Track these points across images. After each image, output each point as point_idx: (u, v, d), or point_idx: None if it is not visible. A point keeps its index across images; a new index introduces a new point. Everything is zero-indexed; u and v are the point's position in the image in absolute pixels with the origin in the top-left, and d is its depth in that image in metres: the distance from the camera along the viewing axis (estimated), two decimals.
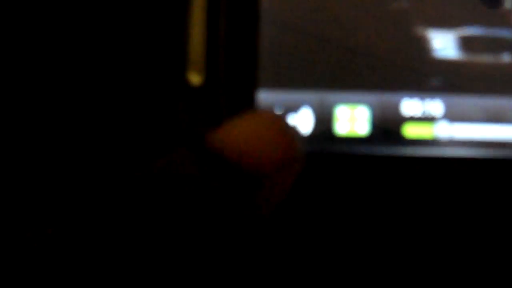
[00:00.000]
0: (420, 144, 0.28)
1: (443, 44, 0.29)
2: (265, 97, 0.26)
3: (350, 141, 0.28)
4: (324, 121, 0.28)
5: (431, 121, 0.29)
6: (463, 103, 0.29)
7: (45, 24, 0.29)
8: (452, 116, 0.29)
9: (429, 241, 0.30)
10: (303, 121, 0.28)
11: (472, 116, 0.29)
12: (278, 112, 0.27)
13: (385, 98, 0.28)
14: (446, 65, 0.29)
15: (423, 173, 0.29)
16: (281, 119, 0.15)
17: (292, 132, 0.15)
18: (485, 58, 0.29)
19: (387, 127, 0.28)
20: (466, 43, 0.29)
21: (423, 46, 0.29)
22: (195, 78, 0.25)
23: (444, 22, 0.29)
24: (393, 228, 0.30)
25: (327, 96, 0.28)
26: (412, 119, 0.29)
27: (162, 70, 0.27)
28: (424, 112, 0.29)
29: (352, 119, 0.28)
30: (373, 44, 0.28)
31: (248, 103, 0.26)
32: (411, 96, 0.28)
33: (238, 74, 0.26)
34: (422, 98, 0.29)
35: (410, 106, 0.29)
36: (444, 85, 0.29)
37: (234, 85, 0.26)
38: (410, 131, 0.29)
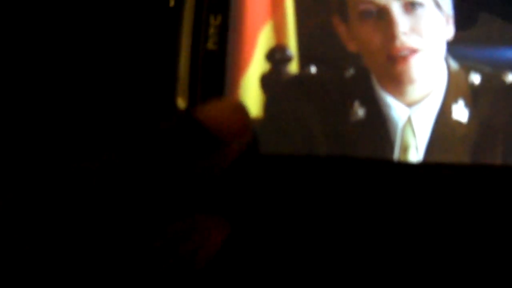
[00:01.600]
0: None
1: None
2: None
3: None
4: None
5: None
6: None
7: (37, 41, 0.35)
8: None
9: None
10: None
11: None
12: None
13: None
14: None
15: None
16: (242, 106, 0.25)
17: (246, 116, 0.25)
18: None
19: None
20: None
21: None
22: (182, 103, 0.32)
23: None
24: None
25: None
26: None
27: (155, 96, 0.33)
28: None
29: None
30: None
31: None
32: None
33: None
34: None
35: None
36: None
37: None
38: None
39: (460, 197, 0.33)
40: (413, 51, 0.35)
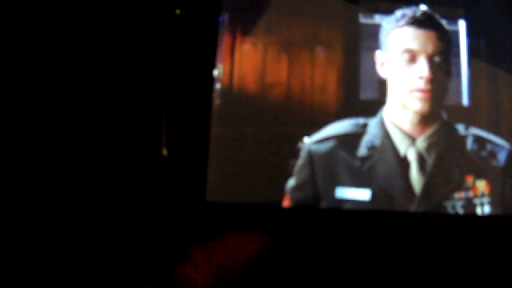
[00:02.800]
0: None
1: None
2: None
3: None
4: None
5: None
6: None
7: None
8: None
9: None
10: None
11: None
12: None
13: None
14: None
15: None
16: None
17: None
18: None
19: None
20: None
21: None
22: (164, 151, 0.35)
23: None
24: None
25: None
26: None
27: (144, 146, 0.37)
28: None
29: None
30: None
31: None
32: None
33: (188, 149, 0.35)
34: None
35: None
36: None
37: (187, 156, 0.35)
38: None
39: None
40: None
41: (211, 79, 0.36)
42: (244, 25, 0.40)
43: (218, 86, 0.37)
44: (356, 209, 0.36)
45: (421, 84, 0.40)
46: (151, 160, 0.35)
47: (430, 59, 0.39)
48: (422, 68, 0.40)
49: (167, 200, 0.34)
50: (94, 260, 0.33)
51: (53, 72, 0.34)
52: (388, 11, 0.40)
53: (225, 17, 0.39)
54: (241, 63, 0.39)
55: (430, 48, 0.39)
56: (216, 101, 0.37)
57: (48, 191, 0.34)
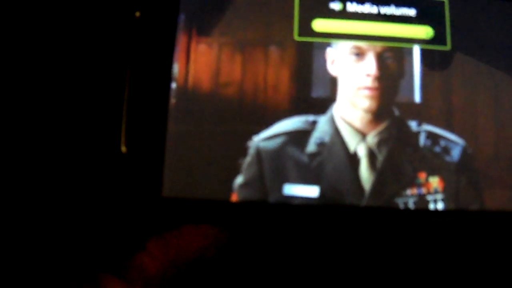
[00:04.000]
0: None
1: None
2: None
3: None
4: None
5: None
6: None
7: None
8: None
9: None
10: None
11: None
12: None
13: None
14: None
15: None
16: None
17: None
18: None
19: None
20: None
21: None
22: (123, 148, 0.37)
23: None
24: None
25: None
26: None
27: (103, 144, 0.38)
28: None
29: None
30: None
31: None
32: None
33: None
34: None
35: None
36: None
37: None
38: None
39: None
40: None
41: (169, 79, 0.37)
42: (200, 26, 0.41)
43: (174, 85, 0.38)
44: (304, 204, 0.37)
45: (369, 81, 0.39)
46: (110, 157, 0.36)
47: (379, 56, 0.39)
48: (369, 65, 0.39)
49: (126, 195, 0.35)
50: (51, 252, 0.35)
51: (10, 70, 0.35)
52: None
53: (181, 18, 0.40)
54: (196, 63, 0.40)
55: (378, 45, 0.40)
56: (172, 100, 0.38)
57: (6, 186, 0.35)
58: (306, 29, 0.42)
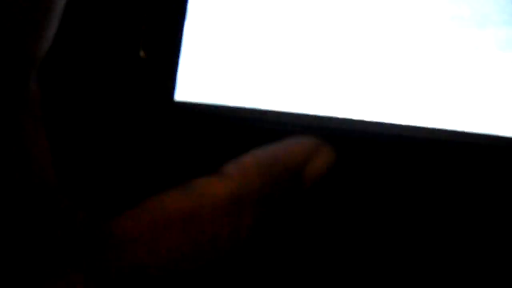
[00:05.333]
0: None
1: None
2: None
3: None
4: None
5: None
6: None
7: None
8: None
9: None
10: None
11: None
12: None
13: None
14: None
15: None
16: None
17: None
18: None
19: None
20: None
21: None
22: (142, 53, 0.37)
23: None
24: None
25: None
26: None
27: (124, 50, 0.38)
28: None
29: None
30: None
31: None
32: None
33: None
34: None
35: None
36: None
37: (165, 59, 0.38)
38: None
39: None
40: None
41: None
42: None
43: None
44: None
45: None
46: (130, 62, 0.38)
47: None
48: None
49: (143, 101, 0.37)
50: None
51: None
52: None
53: None
54: None
55: None
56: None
57: None
58: None
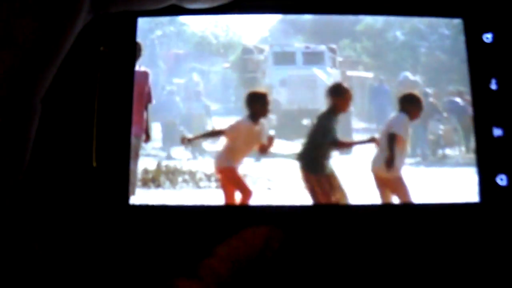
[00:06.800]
0: None
1: None
2: None
3: None
4: None
5: None
6: None
7: None
8: None
9: None
10: None
11: None
12: None
13: None
14: None
15: None
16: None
17: None
18: None
19: None
20: None
21: None
22: (94, 163, 0.43)
23: None
24: None
25: None
26: None
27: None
28: None
29: None
30: None
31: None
32: None
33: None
34: None
35: None
36: None
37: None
38: None
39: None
40: None
41: (130, 102, 0.43)
42: None
43: None
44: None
45: None
46: (83, 171, 0.42)
47: None
48: None
49: (99, 204, 0.42)
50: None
51: None
52: None
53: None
54: None
55: None
56: None
57: None
58: None
